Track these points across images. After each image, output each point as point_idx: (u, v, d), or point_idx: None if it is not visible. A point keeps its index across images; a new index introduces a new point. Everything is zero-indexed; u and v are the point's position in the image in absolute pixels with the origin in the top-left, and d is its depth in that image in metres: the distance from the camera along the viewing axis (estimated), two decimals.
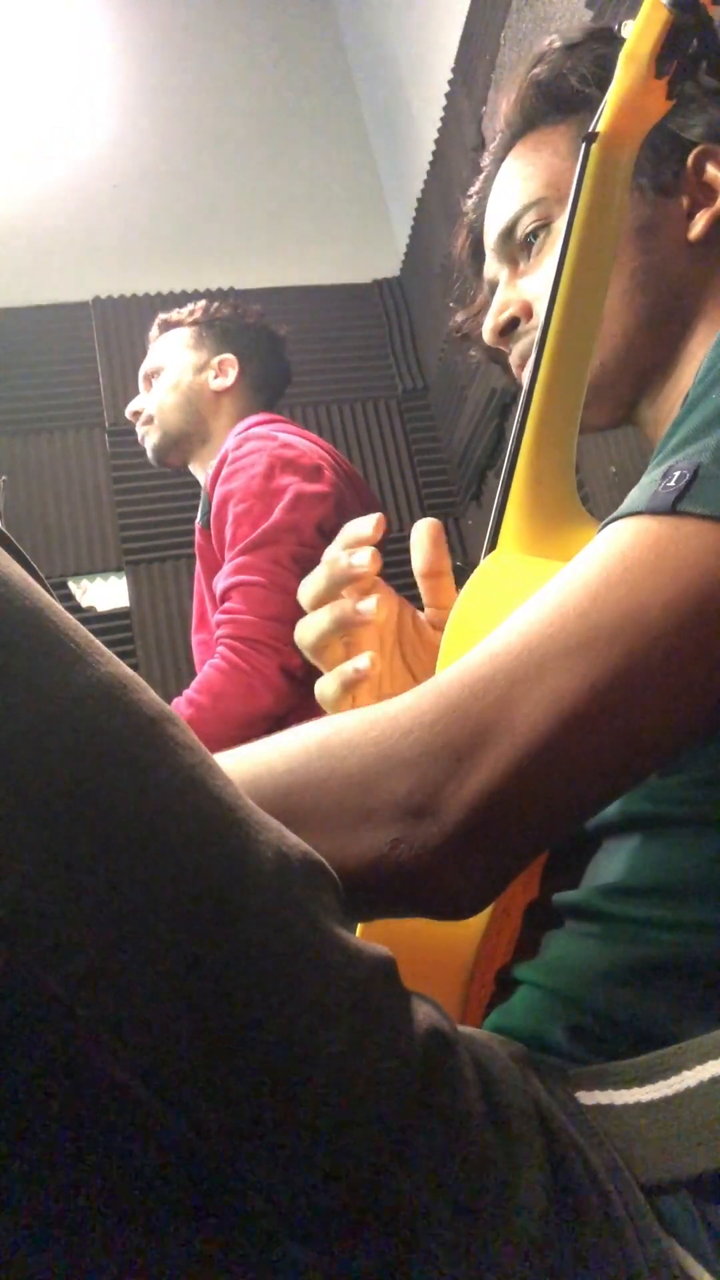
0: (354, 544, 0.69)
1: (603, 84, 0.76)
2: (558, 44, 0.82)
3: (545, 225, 0.81)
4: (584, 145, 0.67)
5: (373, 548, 0.68)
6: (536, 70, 0.83)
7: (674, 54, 0.64)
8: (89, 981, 0.33)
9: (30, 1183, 0.33)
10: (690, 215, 0.77)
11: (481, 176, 0.89)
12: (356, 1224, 0.35)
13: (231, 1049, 0.34)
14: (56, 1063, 0.32)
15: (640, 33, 0.63)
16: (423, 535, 0.72)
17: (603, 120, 0.66)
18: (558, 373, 0.67)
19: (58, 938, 0.33)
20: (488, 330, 0.85)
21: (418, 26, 2.63)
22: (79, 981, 0.33)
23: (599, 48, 0.80)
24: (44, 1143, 0.32)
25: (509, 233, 0.83)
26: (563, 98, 0.82)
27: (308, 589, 0.70)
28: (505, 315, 0.84)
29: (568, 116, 0.82)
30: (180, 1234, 0.34)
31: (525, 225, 0.82)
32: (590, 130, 0.67)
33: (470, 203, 0.90)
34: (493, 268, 0.87)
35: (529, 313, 0.83)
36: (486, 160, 0.88)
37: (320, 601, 0.69)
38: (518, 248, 0.84)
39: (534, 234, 0.82)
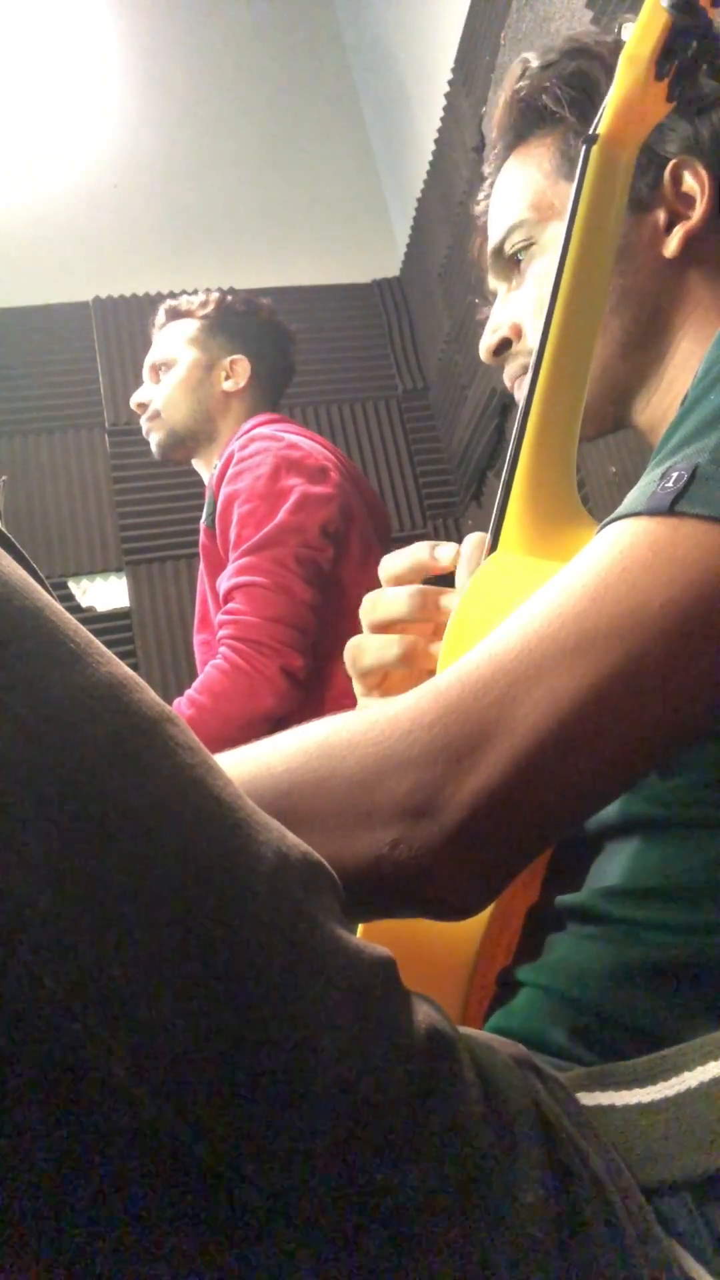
0: (421, 571, 0.71)
1: (579, 99, 0.78)
2: (534, 62, 0.82)
3: (528, 245, 0.82)
4: (584, 147, 0.67)
5: (457, 547, 0.69)
6: (518, 87, 0.83)
7: (674, 56, 0.64)
8: (89, 981, 0.33)
9: (29, 1183, 0.33)
10: (667, 230, 0.76)
11: (486, 183, 0.89)
12: (356, 1224, 0.35)
13: (231, 1049, 0.34)
14: (56, 1063, 0.32)
15: (640, 35, 0.63)
16: (470, 551, 0.71)
17: (603, 122, 0.66)
18: (559, 373, 0.68)
19: (58, 938, 0.33)
20: (482, 349, 0.86)
21: (418, 26, 2.63)
22: (79, 981, 0.33)
23: (575, 62, 0.80)
24: (43, 1143, 0.32)
25: (499, 250, 0.84)
26: (543, 113, 0.82)
27: (382, 611, 0.69)
28: (496, 337, 0.85)
29: (551, 130, 0.82)
30: (179, 1234, 0.34)
31: (512, 245, 0.83)
32: (590, 132, 0.67)
33: (480, 207, 0.91)
34: (492, 281, 0.88)
35: (518, 334, 0.84)
36: (488, 169, 0.89)
37: (390, 627, 0.69)
38: (508, 265, 0.84)
39: (520, 254, 0.82)
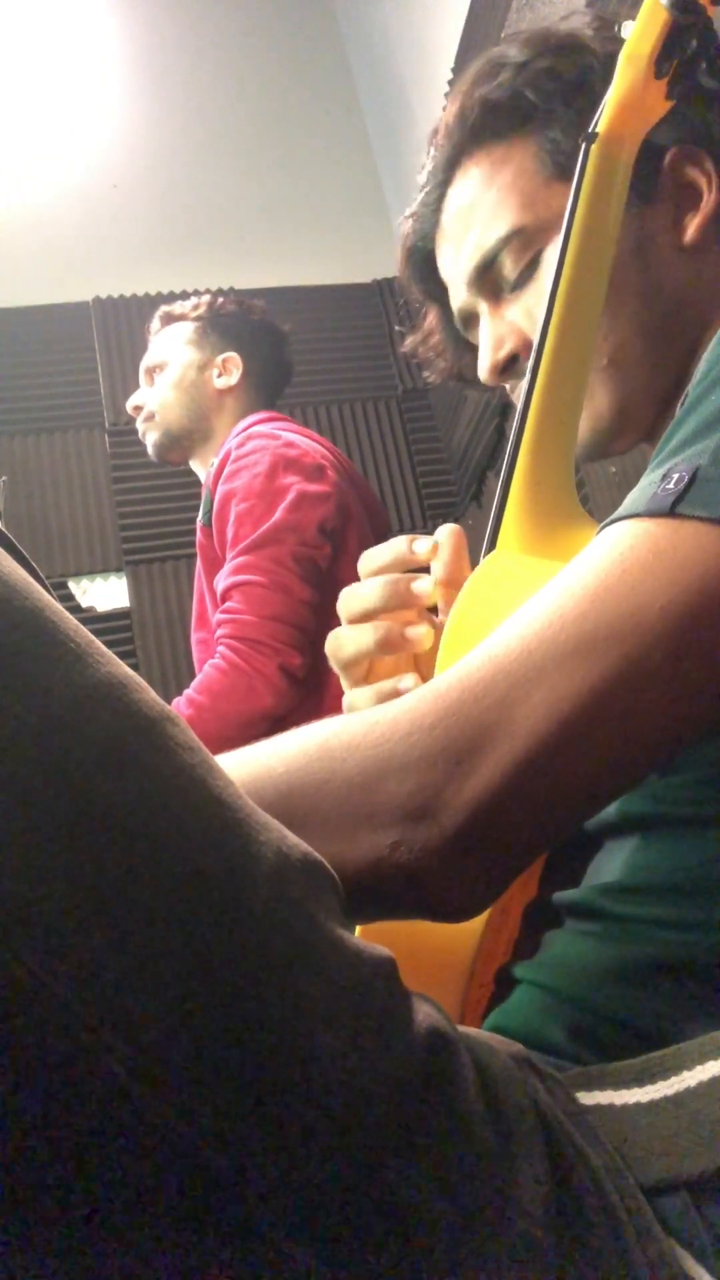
0: (400, 564, 0.69)
1: (556, 95, 0.75)
2: (510, 58, 0.77)
3: (530, 258, 0.76)
4: (584, 146, 0.67)
5: (435, 540, 0.68)
6: (485, 90, 0.77)
7: (673, 54, 0.64)
8: (89, 981, 0.33)
9: (28, 1183, 0.33)
10: (678, 221, 0.75)
11: (420, 198, 0.83)
12: (356, 1224, 0.35)
13: (231, 1049, 0.34)
14: (56, 1062, 0.32)
15: (640, 33, 0.63)
16: (445, 542, 0.70)
17: (602, 120, 0.66)
18: (557, 373, 0.67)
19: (58, 938, 0.33)
20: (486, 369, 0.80)
21: (418, 26, 2.63)
22: (79, 981, 0.33)
23: (547, 60, 0.76)
24: (43, 1143, 0.32)
25: (488, 264, 0.78)
26: (518, 114, 0.77)
27: (355, 603, 0.69)
28: (504, 352, 0.79)
29: (522, 131, 0.77)
30: (180, 1234, 0.34)
31: (509, 260, 0.77)
32: (590, 130, 0.67)
33: (410, 224, 0.85)
34: (466, 299, 0.82)
35: (529, 346, 0.75)
36: (425, 179, 0.82)
37: (366, 618, 0.68)
38: (495, 280, 0.79)
39: (527, 268, 0.77)
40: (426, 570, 0.69)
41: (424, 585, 0.67)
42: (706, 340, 0.73)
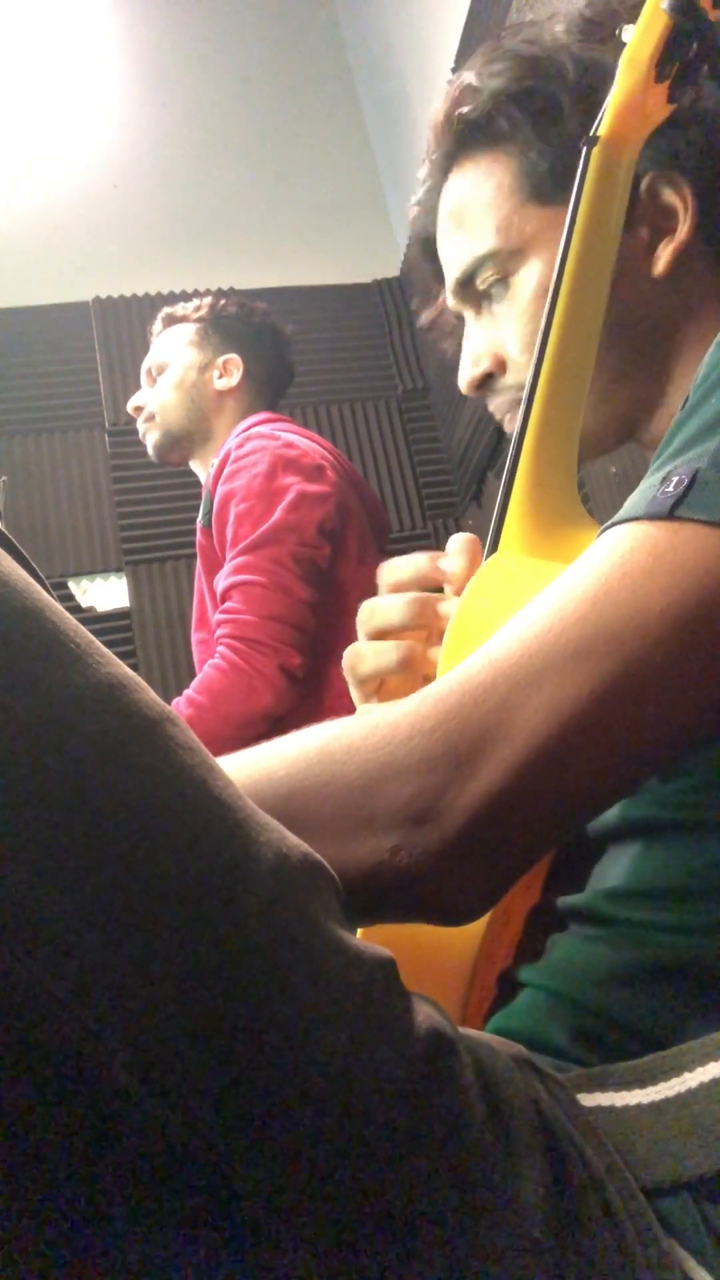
0: (422, 581, 0.69)
1: (525, 123, 0.74)
2: (476, 83, 0.77)
3: (503, 281, 0.77)
4: (584, 149, 0.67)
5: (455, 558, 0.68)
6: (462, 110, 0.77)
7: (674, 58, 0.63)
8: (89, 981, 0.33)
9: (28, 1184, 0.33)
10: (651, 249, 0.73)
11: (424, 187, 0.84)
12: (357, 1225, 0.35)
13: (231, 1050, 0.34)
14: (56, 1063, 0.32)
15: (640, 37, 0.63)
16: (458, 551, 0.70)
17: (603, 124, 0.66)
18: (559, 375, 0.67)
19: (58, 938, 0.33)
20: (464, 383, 0.81)
21: (418, 26, 2.63)
22: (79, 981, 0.33)
23: (514, 85, 0.75)
24: (42, 1144, 0.32)
25: (467, 280, 0.79)
26: (494, 134, 0.77)
27: (380, 618, 0.69)
28: (478, 370, 0.80)
29: (504, 145, 0.77)
30: (179, 1235, 0.34)
31: (483, 279, 0.78)
32: (591, 134, 0.67)
33: (415, 213, 0.85)
34: (453, 303, 0.83)
35: (503, 366, 0.79)
36: (424, 173, 0.83)
37: (388, 634, 0.68)
38: (476, 295, 0.80)
39: (492, 289, 0.78)
40: (440, 589, 0.69)
41: (450, 607, 0.66)
42: (678, 363, 0.74)
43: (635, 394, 0.75)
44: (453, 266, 0.81)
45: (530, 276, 0.75)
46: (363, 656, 0.68)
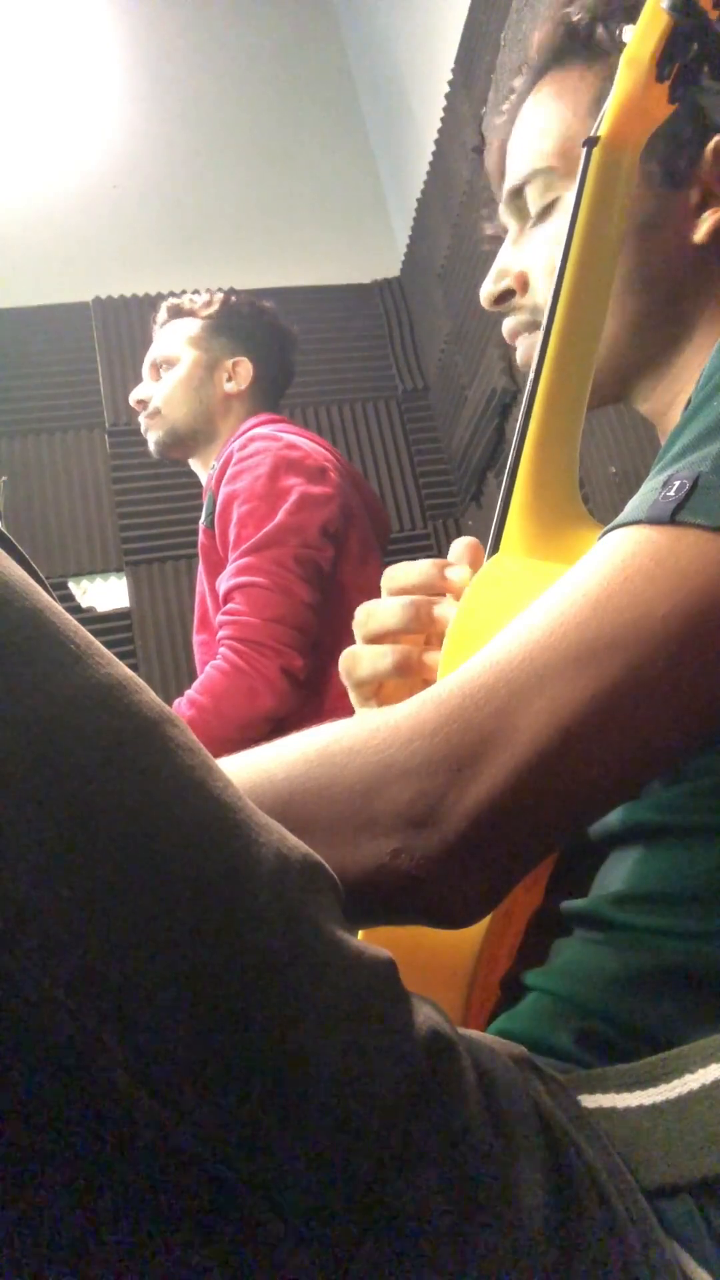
0: (426, 589, 0.68)
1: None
2: None
3: (549, 200, 0.77)
4: (585, 150, 0.66)
5: (470, 572, 0.67)
6: (570, 9, 0.76)
7: (675, 58, 0.63)
8: (89, 983, 0.33)
9: (27, 1185, 0.33)
10: (698, 212, 0.73)
11: (513, 97, 0.82)
12: (357, 1226, 0.35)
13: (231, 1052, 0.34)
14: (55, 1065, 0.32)
15: (641, 36, 0.63)
16: (459, 556, 0.70)
17: (603, 125, 0.66)
18: (561, 376, 0.67)
19: (58, 939, 0.33)
20: (484, 295, 0.81)
21: (418, 27, 2.63)
22: (79, 983, 0.33)
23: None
24: (42, 1145, 0.32)
25: (518, 191, 0.79)
26: (591, 43, 0.76)
27: (376, 621, 0.68)
28: (501, 285, 0.80)
29: (593, 62, 0.76)
30: (180, 1237, 0.34)
31: (533, 193, 0.78)
32: (591, 135, 0.66)
33: (498, 120, 0.84)
34: (503, 213, 0.82)
35: (524, 286, 0.79)
36: (516, 83, 0.82)
37: (385, 638, 0.68)
38: (523, 206, 0.79)
39: (537, 206, 0.78)
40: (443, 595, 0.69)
41: (446, 611, 0.66)
42: (693, 334, 0.73)
43: (645, 349, 0.74)
44: (510, 174, 0.81)
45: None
46: (359, 660, 0.68)
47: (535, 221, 0.79)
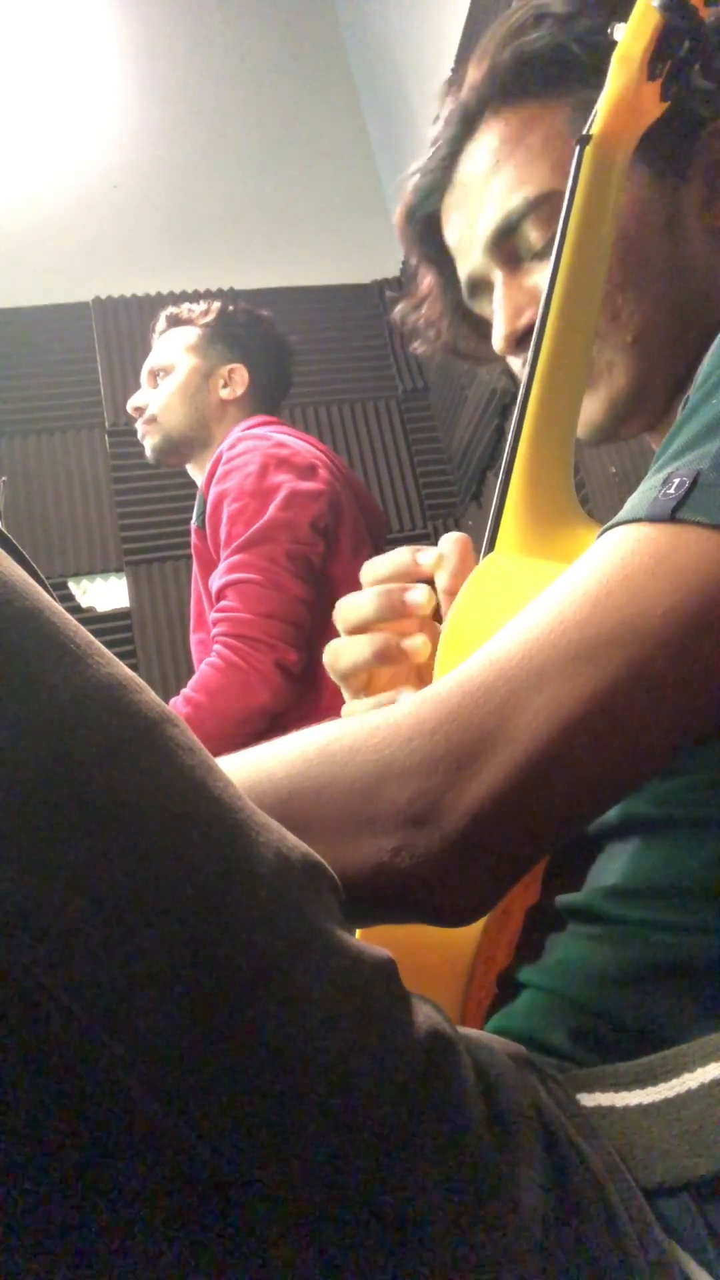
0: (402, 576, 0.68)
1: (606, 51, 0.67)
2: (554, 8, 0.71)
3: (548, 234, 0.72)
4: (577, 148, 0.66)
5: (429, 586, 0.67)
6: (524, 41, 0.72)
7: (667, 56, 0.63)
8: (88, 982, 0.33)
9: (28, 1184, 0.33)
10: (709, 201, 0.72)
11: (431, 153, 0.78)
12: (356, 1225, 0.35)
13: (231, 1051, 0.34)
14: (55, 1064, 0.32)
15: (632, 35, 0.63)
16: (449, 551, 0.69)
17: (596, 123, 0.66)
18: (555, 374, 0.67)
19: (57, 938, 0.33)
20: (501, 338, 0.76)
21: (418, 26, 2.63)
22: (78, 982, 0.33)
23: (597, 16, 0.70)
24: (41, 1144, 0.32)
25: (511, 229, 0.74)
26: (556, 70, 0.72)
27: (351, 614, 0.68)
28: (524, 321, 0.75)
29: (556, 91, 0.72)
30: (180, 1235, 0.34)
31: (536, 225, 0.73)
32: (584, 133, 0.66)
33: (416, 180, 0.79)
34: (480, 264, 0.77)
35: None
36: (439, 133, 0.77)
37: (362, 629, 0.67)
38: (521, 245, 0.75)
39: (553, 237, 0.70)
40: (431, 581, 0.69)
41: (417, 596, 0.66)
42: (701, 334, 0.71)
43: (689, 346, 0.72)
44: (488, 220, 0.75)
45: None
46: (340, 653, 0.68)
47: (538, 254, 0.74)
